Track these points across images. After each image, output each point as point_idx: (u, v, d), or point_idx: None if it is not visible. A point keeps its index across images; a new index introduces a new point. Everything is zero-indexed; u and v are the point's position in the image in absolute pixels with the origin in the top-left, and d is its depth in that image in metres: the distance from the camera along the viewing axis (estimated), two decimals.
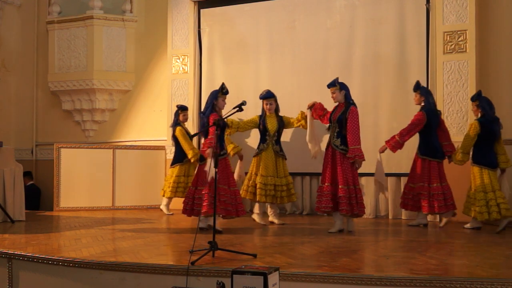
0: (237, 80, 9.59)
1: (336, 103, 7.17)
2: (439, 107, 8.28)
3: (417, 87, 7.67)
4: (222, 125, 6.04)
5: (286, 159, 7.86)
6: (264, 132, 7.75)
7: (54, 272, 5.09)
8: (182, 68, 10.11)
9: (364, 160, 6.95)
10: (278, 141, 7.80)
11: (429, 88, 8.41)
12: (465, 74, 8.19)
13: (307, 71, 9.22)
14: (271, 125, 7.74)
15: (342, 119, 6.95)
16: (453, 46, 8.26)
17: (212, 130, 6.58)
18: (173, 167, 9.06)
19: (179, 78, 10.12)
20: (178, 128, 8.92)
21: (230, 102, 7.25)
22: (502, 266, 4.88)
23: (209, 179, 6.43)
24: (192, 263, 4.70)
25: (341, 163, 6.88)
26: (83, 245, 5.87)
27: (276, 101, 7.85)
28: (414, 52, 8.59)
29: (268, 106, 7.77)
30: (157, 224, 7.98)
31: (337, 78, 7.17)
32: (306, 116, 7.67)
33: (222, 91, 7.07)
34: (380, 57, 8.82)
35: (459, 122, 8.21)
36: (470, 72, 8.16)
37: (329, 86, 7.17)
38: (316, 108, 7.53)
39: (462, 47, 8.22)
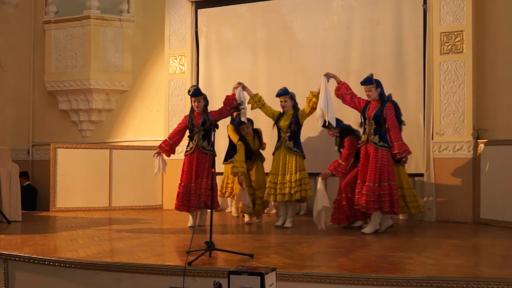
0: (234, 81, 9.56)
1: (369, 100, 7.07)
2: (435, 107, 8.30)
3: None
4: (209, 127, 6.23)
5: (303, 157, 7.52)
6: (278, 130, 7.71)
7: (51, 272, 5.08)
8: (179, 68, 10.12)
9: (411, 153, 7.10)
10: (292, 137, 7.51)
11: (425, 88, 8.42)
12: (461, 74, 8.19)
13: (304, 71, 9.23)
14: (283, 122, 7.59)
15: (379, 116, 6.93)
16: (450, 47, 8.27)
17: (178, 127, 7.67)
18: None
19: (176, 78, 10.13)
20: (229, 126, 8.56)
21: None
22: (499, 266, 4.89)
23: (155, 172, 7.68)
24: (189, 264, 4.70)
25: (382, 159, 6.87)
26: (80, 246, 5.86)
27: (292, 98, 7.67)
28: (411, 52, 8.60)
29: (282, 103, 7.70)
30: (154, 224, 7.98)
31: (372, 75, 7.07)
32: (317, 93, 7.41)
33: (188, 93, 7.59)
34: (377, 57, 8.83)
35: (456, 122, 8.21)
36: (466, 73, 8.17)
37: (364, 83, 7.06)
38: (341, 87, 7.24)
39: (459, 47, 8.23)
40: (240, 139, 7.85)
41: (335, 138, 7.62)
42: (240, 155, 7.61)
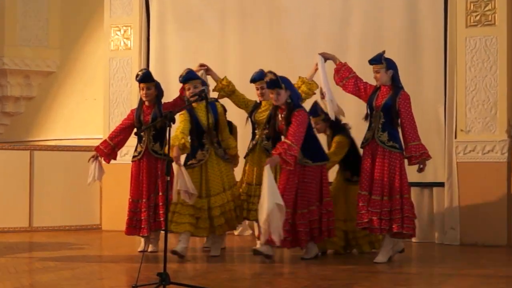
0: (197, 60, 9.51)
1: (378, 85, 7.04)
2: (460, 96, 8.36)
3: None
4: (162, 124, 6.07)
5: None
6: (253, 125, 7.61)
7: None
8: (124, 43, 10.12)
9: (430, 158, 6.99)
10: (270, 136, 7.38)
11: (447, 71, 8.47)
12: (493, 53, 8.26)
13: (289, 48, 9.24)
14: (259, 115, 7.48)
15: (391, 106, 6.83)
16: (478, 18, 8.33)
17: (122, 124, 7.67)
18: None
19: (119, 56, 10.12)
20: None
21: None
22: None
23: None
24: None
25: (392, 164, 6.83)
26: None
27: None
28: (428, 25, 8.66)
29: (259, 91, 7.55)
30: (90, 250, 7.92)
31: (383, 52, 7.01)
32: (309, 79, 7.45)
33: (136, 78, 7.67)
34: (384, 31, 8.85)
35: (486, 116, 8.29)
36: (500, 51, 8.23)
37: (372, 62, 7.01)
38: (342, 68, 7.18)
39: (489, 18, 8.29)
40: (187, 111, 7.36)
41: (327, 136, 7.59)
42: (180, 126, 7.16)
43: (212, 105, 7.30)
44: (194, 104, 7.07)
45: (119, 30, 10.13)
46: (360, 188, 6.96)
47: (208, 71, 7.80)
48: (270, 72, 6.96)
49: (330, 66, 7.36)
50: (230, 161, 7.43)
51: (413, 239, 8.19)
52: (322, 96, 7.22)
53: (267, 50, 9.39)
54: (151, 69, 9.89)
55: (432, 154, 8.40)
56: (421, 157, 6.86)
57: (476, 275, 6.17)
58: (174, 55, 9.92)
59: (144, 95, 7.48)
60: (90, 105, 10.57)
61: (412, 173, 8.33)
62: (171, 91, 8.18)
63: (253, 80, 7.58)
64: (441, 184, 8.47)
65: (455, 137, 8.40)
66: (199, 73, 7.65)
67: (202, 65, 7.79)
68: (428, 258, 7.55)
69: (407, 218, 6.82)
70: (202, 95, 6.72)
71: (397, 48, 8.70)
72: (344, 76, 7.19)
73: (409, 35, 8.75)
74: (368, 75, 7.60)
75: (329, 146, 7.50)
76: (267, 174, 6.46)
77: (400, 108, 6.82)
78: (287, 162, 6.62)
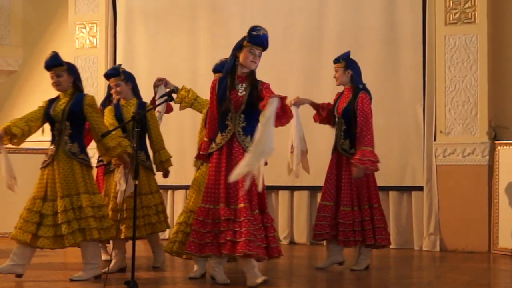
0: (167, 58, 9.52)
1: (339, 88, 6.99)
2: (439, 96, 8.35)
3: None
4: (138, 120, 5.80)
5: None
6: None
7: None
8: (89, 40, 10.08)
9: (377, 170, 6.66)
10: None
11: (426, 71, 8.46)
12: (473, 52, 8.27)
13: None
14: None
15: (349, 110, 6.71)
16: (458, 15, 8.34)
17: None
18: None
19: (85, 54, 10.07)
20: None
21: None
22: None
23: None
24: None
25: (350, 173, 6.67)
26: None
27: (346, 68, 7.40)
28: (406, 22, 8.67)
29: None
30: (54, 257, 7.76)
31: (348, 53, 6.91)
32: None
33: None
34: (361, 28, 8.85)
35: (466, 117, 8.28)
36: (480, 50, 8.24)
37: (334, 61, 6.93)
38: (320, 107, 7.07)
39: (469, 16, 8.30)
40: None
41: None
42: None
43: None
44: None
45: (85, 28, 10.09)
46: (322, 198, 6.84)
47: (167, 84, 7.51)
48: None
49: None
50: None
51: (392, 246, 8.15)
52: (291, 150, 6.91)
53: None
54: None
55: (411, 156, 8.47)
56: (365, 163, 6.51)
57: (456, 282, 6.15)
58: (142, 52, 9.87)
59: (115, 92, 7.17)
60: None
61: (390, 177, 8.34)
62: (140, 92, 8.06)
63: (216, 70, 7.40)
64: (420, 188, 8.46)
65: (435, 139, 8.39)
66: (158, 89, 7.42)
67: (160, 80, 7.51)
68: (406, 264, 7.53)
69: (379, 229, 6.75)
70: (171, 95, 6.57)
71: (374, 46, 8.76)
72: (325, 115, 7.08)
73: (386, 33, 8.76)
74: None
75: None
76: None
77: (357, 110, 6.67)
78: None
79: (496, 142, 8.15)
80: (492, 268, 7.25)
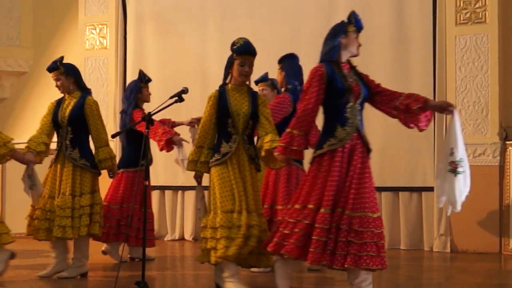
0: (175, 59, 9.54)
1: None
2: (449, 96, 8.33)
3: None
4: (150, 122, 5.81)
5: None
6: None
7: None
8: (100, 41, 10.13)
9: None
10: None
11: (436, 71, 8.44)
12: (484, 52, 8.24)
13: (273, 46, 9.08)
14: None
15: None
16: (468, 15, 8.32)
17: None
18: None
19: (95, 55, 10.13)
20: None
21: (166, 89, 7.26)
22: None
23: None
24: None
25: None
26: None
27: (275, 86, 7.37)
28: (415, 22, 8.68)
29: (260, 93, 7.46)
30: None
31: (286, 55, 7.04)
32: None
33: (145, 79, 7.48)
34: (371, 29, 8.78)
35: (477, 118, 8.26)
36: (491, 50, 8.22)
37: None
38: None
39: (480, 16, 8.28)
40: None
41: None
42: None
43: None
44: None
45: (95, 29, 10.15)
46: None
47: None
48: None
49: None
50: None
51: (401, 246, 8.15)
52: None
53: None
54: (128, 68, 10.01)
55: (421, 157, 8.45)
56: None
57: (467, 284, 6.16)
58: (152, 53, 9.91)
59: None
60: None
61: (401, 178, 8.33)
62: (150, 90, 8.07)
63: (256, 82, 7.49)
64: (430, 189, 8.40)
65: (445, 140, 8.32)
66: (193, 131, 7.42)
67: (193, 121, 7.46)
68: (416, 265, 7.51)
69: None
70: (181, 97, 6.52)
71: (384, 46, 8.74)
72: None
73: (397, 33, 8.77)
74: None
75: None
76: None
77: None
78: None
79: (507, 142, 8.13)
80: (503, 269, 7.24)
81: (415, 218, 8.56)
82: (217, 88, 5.89)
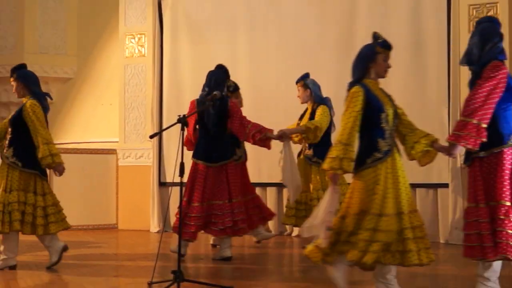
0: (208, 66, 9.54)
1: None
2: (464, 95, 8.22)
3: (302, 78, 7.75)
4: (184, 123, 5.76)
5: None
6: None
7: None
8: (138, 50, 10.21)
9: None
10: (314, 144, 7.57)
11: (451, 72, 8.42)
12: None
13: (297, 53, 9.27)
14: (302, 121, 7.69)
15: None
16: None
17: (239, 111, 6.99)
18: None
19: (134, 62, 10.20)
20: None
21: (197, 92, 7.38)
22: None
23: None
24: None
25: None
26: (12, 276, 5.86)
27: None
28: (432, 30, 8.65)
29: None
30: (107, 248, 7.99)
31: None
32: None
33: (229, 89, 7.56)
34: (388, 35, 8.70)
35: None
36: None
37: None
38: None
39: None
40: None
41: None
42: None
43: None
44: None
45: (134, 38, 10.21)
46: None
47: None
48: None
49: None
50: None
51: (441, 239, 8.26)
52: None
53: (276, 55, 9.43)
54: (164, 75, 10.02)
55: (437, 155, 8.43)
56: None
57: None
58: (185, 61, 9.95)
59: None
60: (106, 110, 10.66)
61: (417, 175, 8.36)
62: (184, 97, 8.19)
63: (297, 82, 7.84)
64: (445, 185, 8.43)
65: None
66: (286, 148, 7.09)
67: (283, 134, 7.06)
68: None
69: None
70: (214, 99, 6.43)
71: (401, 51, 8.62)
72: None
73: (414, 39, 8.72)
74: None
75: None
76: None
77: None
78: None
79: None
80: None
81: (430, 213, 8.51)
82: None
